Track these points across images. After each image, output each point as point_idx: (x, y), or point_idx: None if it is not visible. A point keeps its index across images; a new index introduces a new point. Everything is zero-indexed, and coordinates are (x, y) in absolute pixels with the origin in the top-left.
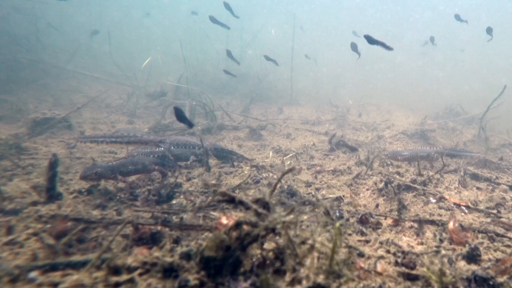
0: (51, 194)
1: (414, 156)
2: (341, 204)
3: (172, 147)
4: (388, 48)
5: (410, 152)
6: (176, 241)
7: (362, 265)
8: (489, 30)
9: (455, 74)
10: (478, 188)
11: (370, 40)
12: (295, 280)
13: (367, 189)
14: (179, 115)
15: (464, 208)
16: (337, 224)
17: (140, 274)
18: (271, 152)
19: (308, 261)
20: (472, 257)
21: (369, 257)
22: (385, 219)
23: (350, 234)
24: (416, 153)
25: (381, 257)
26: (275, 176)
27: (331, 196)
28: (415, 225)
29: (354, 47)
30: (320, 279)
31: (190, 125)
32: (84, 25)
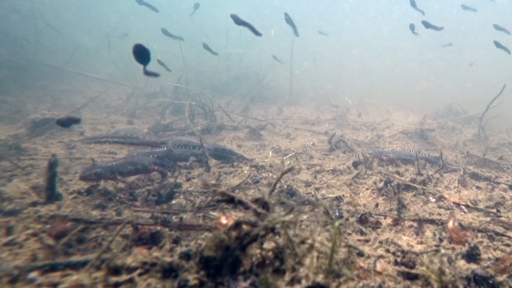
0: (51, 195)
1: (399, 159)
2: (341, 203)
3: (174, 148)
4: (256, 32)
5: (396, 154)
6: (176, 241)
7: (362, 264)
8: (423, 24)
9: (450, 74)
10: (477, 187)
11: (237, 21)
12: (295, 280)
13: (367, 189)
14: (140, 54)
15: (463, 207)
16: (337, 224)
17: (140, 274)
18: (270, 152)
19: (307, 261)
20: (472, 256)
21: (368, 257)
22: (385, 218)
23: (349, 234)
24: (401, 156)
25: (381, 257)
26: (274, 176)
27: (330, 195)
28: (415, 224)
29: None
30: (320, 278)
31: (154, 74)
32: (72, 23)
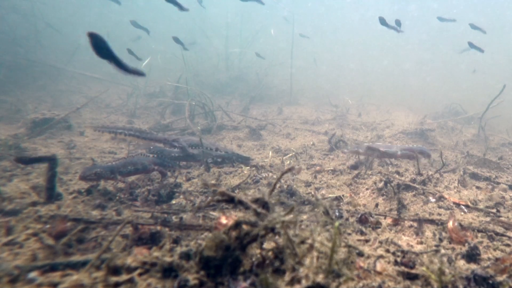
0: (51, 195)
1: (375, 152)
2: (341, 203)
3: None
4: (181, 7)
5: (374, 147)
6: (176, 241)
7: (362, 264)
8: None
9: (449, 74)
10: (477, 187)
11: None
12: (295, 280)
13: (367, 189)
14: (100, 47)
15: (463, 207)
16: (337, 224)
17: (140, 274)
18: (270, 152)
19: (307, 261)
20: (472, 256)
21: (368, 257)
22: (385, 218)
23: (349, 234)
24: (379, 148)
25: (381, 257)
26: (274, 176)
27: (330, 195)
28: (415, 224)
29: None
30: (320, 278)
31: (126, 68)
32: (70, 23)
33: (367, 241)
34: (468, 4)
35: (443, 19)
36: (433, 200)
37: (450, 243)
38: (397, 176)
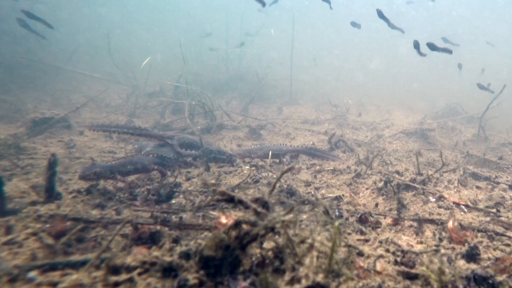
0: (50, 194)
1: (267, 154)
2: (341, 203)
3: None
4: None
5: (264, 150)
6: (176, 241)
7: (362, 264)
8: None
9: (448, 74)
10: (477, 187)
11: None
12: (295, 279)
13: (367, 189)
14: None
15: (463, 207)
16: (337, 223)
17: (140, 274)
18: (270, 152)
19: (307, 260)
20: (472, 256)
21: (368, 256)
22: (385, 218)
23: (349, 233)
24: (269, 150)
25: (381, 256)
26: (274, 176)
27: (330, 195)
28: (415, 224)
29: None
30: (320, 278)
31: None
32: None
33: (367, 240)
34: (467, 5)
35: (354, 25)
36: (433, 200)
37: (450, 243)
38: (397, 175)
